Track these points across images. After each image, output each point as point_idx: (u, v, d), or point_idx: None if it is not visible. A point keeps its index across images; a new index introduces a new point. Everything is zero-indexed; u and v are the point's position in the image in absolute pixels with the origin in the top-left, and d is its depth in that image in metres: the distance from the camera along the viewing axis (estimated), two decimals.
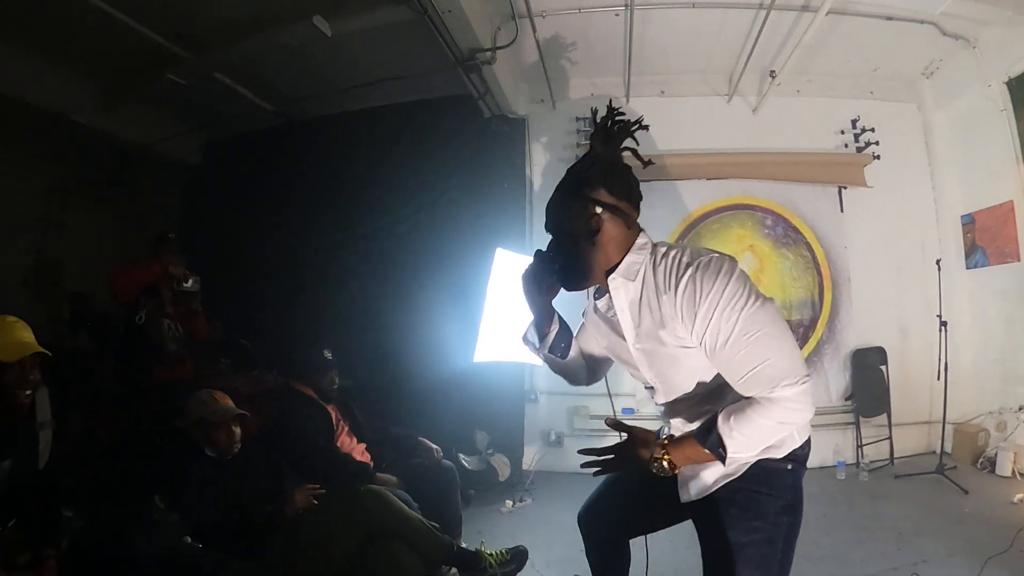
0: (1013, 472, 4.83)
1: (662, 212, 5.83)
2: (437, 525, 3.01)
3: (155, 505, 2.73)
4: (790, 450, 1.75)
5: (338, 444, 3.61)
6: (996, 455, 4.99)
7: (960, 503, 4.40)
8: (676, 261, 1.64)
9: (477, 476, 4.92)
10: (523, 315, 4.43)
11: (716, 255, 1.62)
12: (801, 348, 5.59)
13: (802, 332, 5.77)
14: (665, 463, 1.67)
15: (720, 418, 1.58)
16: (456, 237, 5.55)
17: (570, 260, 1.80)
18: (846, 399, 5.70)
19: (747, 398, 1.57)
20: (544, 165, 6.01)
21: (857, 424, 5.57)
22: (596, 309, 1.96)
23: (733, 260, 1.63)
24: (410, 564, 2.77)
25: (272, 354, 4.76)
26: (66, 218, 7.82)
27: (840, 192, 5.94)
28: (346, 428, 3.75)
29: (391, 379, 5.28)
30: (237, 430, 2.99)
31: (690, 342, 1.62)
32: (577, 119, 5.97)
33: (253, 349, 4.68)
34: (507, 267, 4.48)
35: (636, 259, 1.73)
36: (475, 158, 5.87)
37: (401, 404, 4.90)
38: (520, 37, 4.83)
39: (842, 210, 5.94)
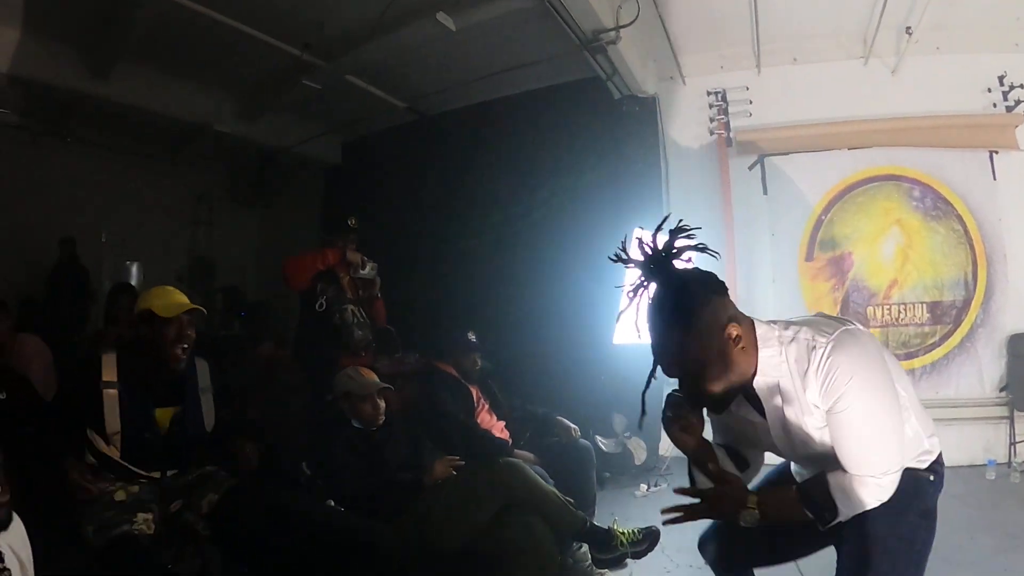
0: None
1: (803, 186, 5.64)
2: (571, 500, 3.05)
3: (302, 471, 2.97)
4: (930, 462, 1.74)
5: (478, 421, 3.74)
6: None
7: None
8: (807, 344, 1.60)
9: (613, 459, 4.97)
10: None
11: (841, 329, 1.60)
12: (953, 332, 5.35)
13: (954, 314, 5.39)
14: (755, 515, 1.62)
15: (831, 481, 1.58)
16: (592, 219, 5.57)
17: (716, 390, 1.66)
18: (1000, 390, 5.23)
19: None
20: (677, 142, 5.94)
21: (1011, 419, 5.10)
22: (729, 411, 1.81)
23: (862, 330, 1.64)
24: (543, 536, 2.81)
25: (415, 338, 4.94)
26: (214, 220, 8.51)
27: (991, 157, 5.44)
28: (486, 406, 3.88)
29: (531, 361, 5.40)
30: (382, 403, 3.16)
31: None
32: (708, 93, 5.87)
33: (396, 334, 4.87)
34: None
35: (771, 353, 1.65)
36: (607, 140, 5.92)
37: (540, 386, 4.98)
38: (643, 14, 4.77)
39: (995, 177, 5.44)
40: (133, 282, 6.84)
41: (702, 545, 2.07)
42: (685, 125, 5.92)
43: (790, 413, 1.64)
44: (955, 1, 5.00)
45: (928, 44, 5.45)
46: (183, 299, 2.61)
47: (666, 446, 5.36)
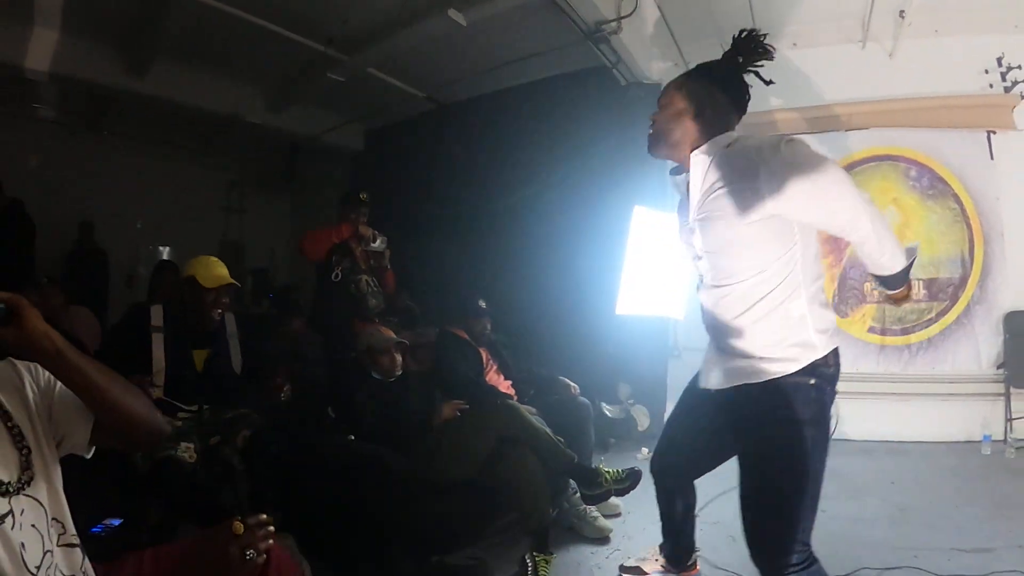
0: None
1: None
2: (563, 440, 3.41)
3: (327, 414, 3.47)
4: (808, 362, 1.92)
5: (487, 379, 4.18)
6: None
7: None
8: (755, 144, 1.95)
9: (618, 425, 5.33)
10: (664, 272, 4.82)
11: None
12: (949, 308, 5.61)
13: (951, 291, 5.62)
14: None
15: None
16: (599, 198, 5.92)
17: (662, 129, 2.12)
18: (998, 367, 5.40)
19: None
20: None
21: (1008, 395, 5.24)
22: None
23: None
24: (535, 468, 3.18)
25: (433, 307, 5.37)
26: (245, 206, 9.02)
27: (989, 137, 5.63)
28: (494, 367, 4.30)
29: (540, 332, 5.79)
30: (399, 357, 3.66)
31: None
32: None
33: (416, 309, 5.30)
34: (647, 224, 4.87)
35: (721, 141, 2.03)
36: (614, 125, 6.20)
37: (548, 354, 5.34)
38: (644, 3, 5.14)
39: (992, 157, 5.63)
40: None
41: (653, 465, 2.58)
42: None
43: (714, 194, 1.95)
44: None
45: (926, 27, 5.63)
46: (223, 272, 3.14)
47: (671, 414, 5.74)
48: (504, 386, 4.19)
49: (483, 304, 4.34)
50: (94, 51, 5.94)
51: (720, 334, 2.07)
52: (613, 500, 3.61)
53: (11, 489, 1.25)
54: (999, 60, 5.62)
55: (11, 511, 1.23)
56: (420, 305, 5.65)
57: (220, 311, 3.10)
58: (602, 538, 3.46)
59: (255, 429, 2.99)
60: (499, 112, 6.86)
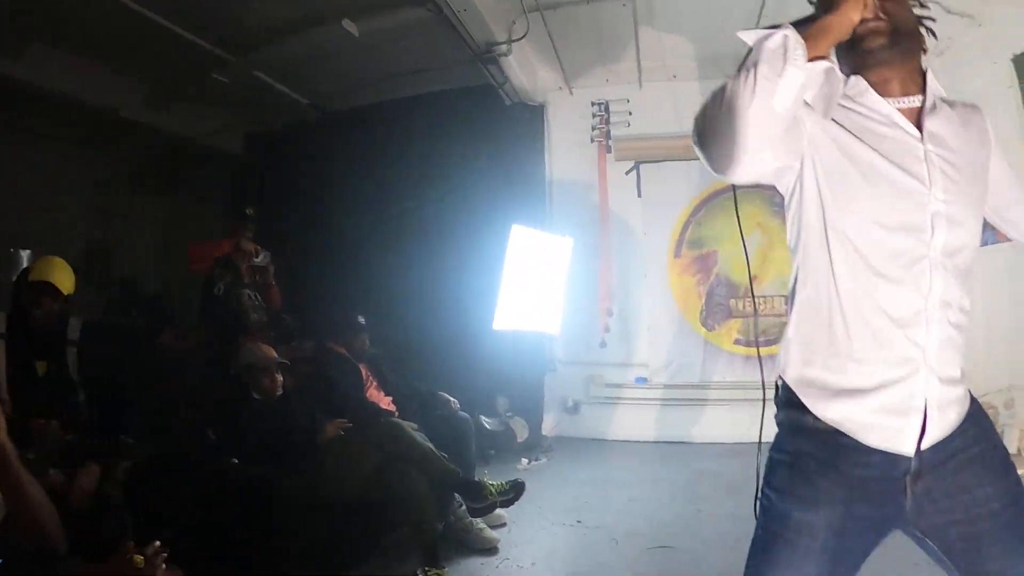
0: (1019, 450, 4.96)
1: (674, 190, 6.40)
2: (446, 456, 3.57)
3: (207, 436, 3.48)
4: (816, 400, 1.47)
5: (367, 396, 4.26)
6: (1003, 432, 5.02)
7: None
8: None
9: (496, 437, 5.52)
10: (538, 289, 5.06)
11: None
12: None
13: None
14: None
15: None
16: (479, 215, 6.09)
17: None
18: None
19: None
20: (562, 148, 6.56)
21: None
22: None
23: None
24: (420, 484, 3.31)
25: (311, 325, 5.39)
26: (116, 208, 8.62)
27: None
28: (374, 383, 4.40)
29: (419, 345, 5.90)
30: (280, 377, 3.70)
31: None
32: (593, 104, 6.49)
33: (292, 321, 5.30)
34: (524, 242, 5.18)
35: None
36: (497, 143, 6.47)
37: (427, 369, 5.43)
38: (534, 29, 5.36)
39: None
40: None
41: None
42: (569, 132, 6.52)
43: (954, 137, 1.38)
44: None
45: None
46: (47, 270, 3.16)
47: (548, 425, 6.05)
48: (385, 402, 4.30)
49: (362, 320, 4.43)
50: None
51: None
52: (498, 511, 3.78)
53: None
54: None
55: None
56: (299, 319, 5.65)
57: (54, 317, 3.09)
58: (490, 548, 3.61)
59: (136, 460, 3.00)
60: (384, 124, 6.93)
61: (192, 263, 4.72)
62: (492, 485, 3.61)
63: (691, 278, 6.35)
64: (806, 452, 1.39)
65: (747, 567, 1.48)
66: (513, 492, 3.67)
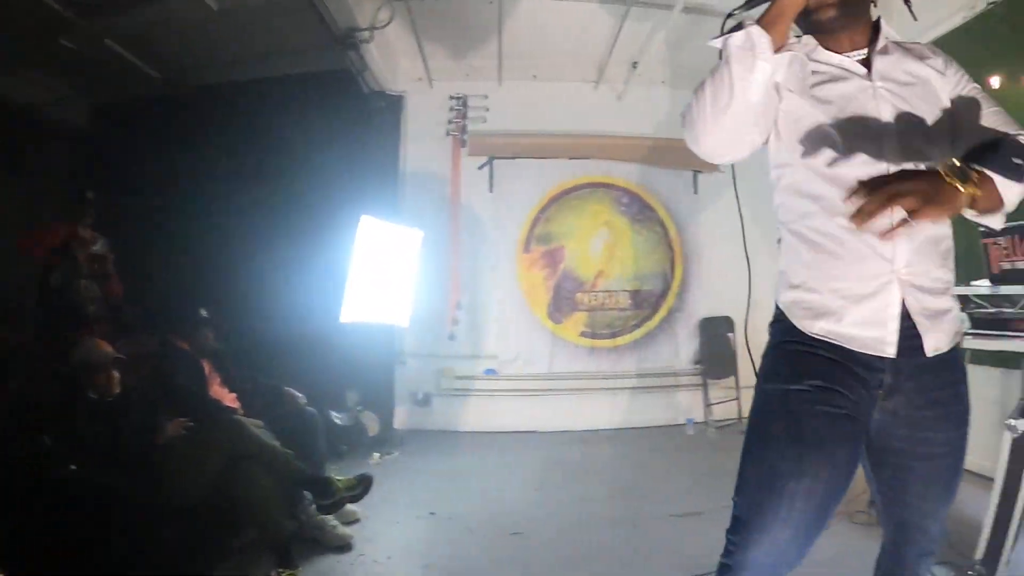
0: None
1: (525, 186, 6.62)
2: (292, 452, 3.53)
3: (43, 441, 3.20)
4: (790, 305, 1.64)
5: (211, 393, 4.09)
6: None
7: None
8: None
9: (347, 432, 5.49)
10: (386, 282, 5.02)
11: None
12: (651, 316, 6.65)
13: (654, 301, 6.74)
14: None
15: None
16: (330, 205, 5.96)
17: None
18: (695, 363, 6.67)
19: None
20: (418, 140, 6.58)
21: (705, 386, 6.52)
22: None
23: None
24: (266, 484, 3.27)
25: (152, 318, 5.09)
26: None
27: (695, 176, 6.86)
28: (218, 379, 4.23)
29: (265, 338, 5.68)
30: (116, 374, 3.48)
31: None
32: (451, 97, 6.56)
33: (132, 314, 4.98)
34: (373, 234, 5.21)
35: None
36: (353, 131, 6.35)
37: (274, 362, 5.28)
38: (399, 18, 5.37)
39: (696, 192, 6.87)
40: None
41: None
42: (426, 124, 6.61)
43: (903, 73, 1.52)
44: (684, 45, 6.16)
45: (656, 77, 6.70)
46: None
47: (399, 419, 6.11)
48: (229, 399, 4.16)
49: (205, 312, 4.25)
50: None
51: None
52: (349, 507, 3.80)
53: None
54: None
55: None
56: (139, 312, 5.32)
57: None
58: (344, 546, 3.57)
59: None
60: (238, 105, 6.57)
61: (23, 250, 4.29)
62: (340, 481, 3.62)
63: (539, 272, 6.61)
64: (793, 340, 1.54)
65: (744, 451, 1.58)
66: (361, 487, 3.71)
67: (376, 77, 6.07)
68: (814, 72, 1.53)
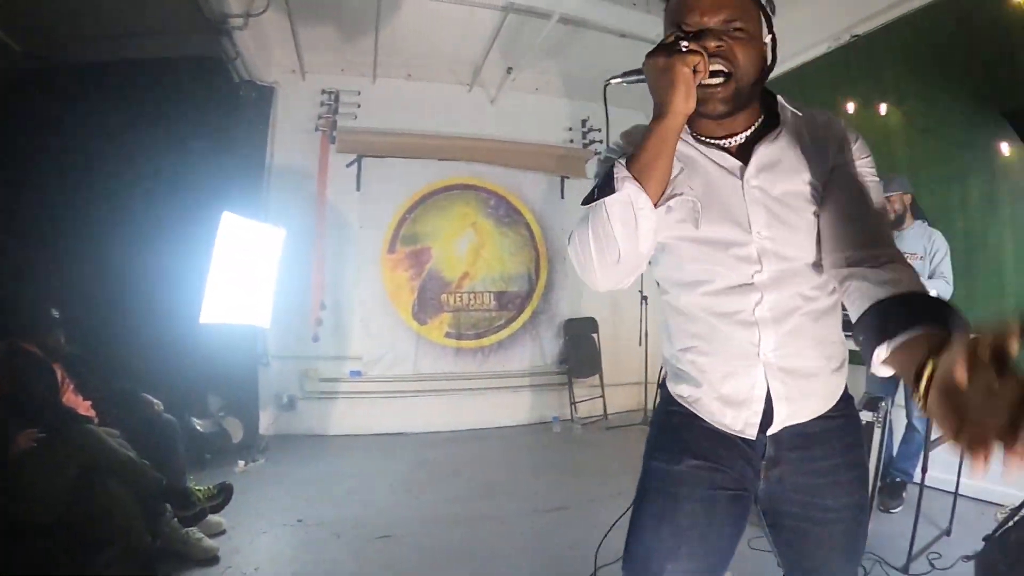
0: None
1: (393, 186, 6.59)
2: (148, 463, 3.38)
3: None
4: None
5: (64, 400, 3.80)
6: None
7: None
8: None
9: (211, 439, 5.23)
10: (248, 281, 4.84)
11: None
12: (517, 317, 6.83)
13: (519, 303, 6.92)
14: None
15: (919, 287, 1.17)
16: (190, 199, 5.66)
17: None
18: (560, 363, 6.92)
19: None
20: (286, 134, 6.37)
21: (570, 385, 6.79)
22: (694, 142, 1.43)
23: None
24: (124, 497, 3.14)
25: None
26: None
27: (563, 181, 7.11)
28: (71, 386, 3.93)
29: (121, 341, 5.34)
30: None
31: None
32: (323, 92, 6.43)
33: None
34: (235, 231, 5.05)
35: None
36: (220, 122, 6.02)
37: (130, 366, 4.97)
38: (275, 6, 5.16)
39: (563, 197, 7.13)
40: None
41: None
42: (295, 118, 6.44)
43: (779, 171, 1.37)
44: (559, 55, 6.39)
45: (530, 84, 6.90)
46: None
47: (264, 424, 5.91)
48: (83, 407, 3.87)
49: (56, 313, 3.92)
50: None
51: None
52: (213, 518, 3.68)
53: None
54: (583, 122, 7.23)
55: None
56: None
57: None
58: (211, 558, 3.44)
59: None
60: (101, 87, 6.01)
61: None
62: (199, 491, 3.54)
63: (404, 273, 6.62)
64: (673, 411, 1.51)
65: (629, 527, 1.50)
66: (222, 496, 3.64)
67: (248, 66, 5.81)
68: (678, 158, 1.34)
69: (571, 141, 7.19)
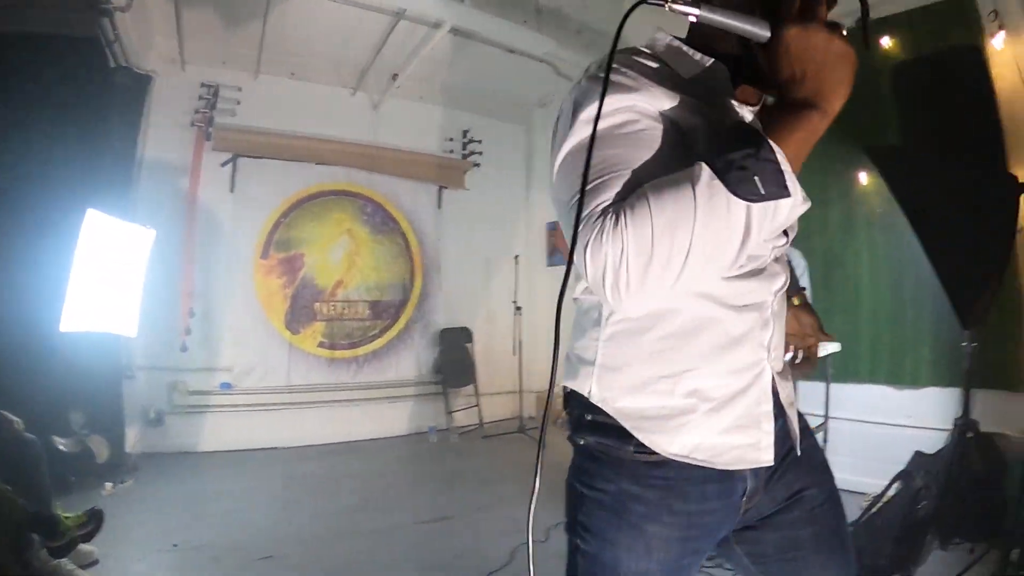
0: None
1: (268, 188, 6.37)
2: (9, 488, 3.09)
3: None
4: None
5: None
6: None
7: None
8: None
9: (74, 460, 4.77)
10: (114, 285, 4.51)
11: None
12: (391, 326, 6.83)
13: (393, 311, 6.91)
14: None
15: None
16: (52, 193, 5.10)
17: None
18: (436, 372, 6.94)
19: None
20: (159, 127, 5.91)
21: (446, 394, 6.84)
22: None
23: None
24: None
25: None
26: None
27: (440, 191, 7.16)
28: None
29: None
30: None
31: None
32: (203, 85, 6.05)
33: None
34: (99, 230, 4.66)
35: None
36: (89, 108, 5.37)
37: None
38: None
39: (440, 207, 7.17)
40: None
41: None
42: (171, 111, 5.98)
43: None
44: (445, 65, 6.41)
45: (414, 92, 6.88)
46: None
47: (131, 441, 5.48)
48: None
49: None
50: None
51: None
52: (84, 547, 3.40)
53: None
54: (465, 132, 7.29)
55: None
56: None
57: None
58: None
59: None
60: None
61: None
62: (68, 518, 3.29)
63: (277, 280, 6.40)
64: (630, 495, 1.13)
65: None
66: (93, 523, 3.40)
67: (126, 51, 5.33)
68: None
69: (451, 151, 7.24)
